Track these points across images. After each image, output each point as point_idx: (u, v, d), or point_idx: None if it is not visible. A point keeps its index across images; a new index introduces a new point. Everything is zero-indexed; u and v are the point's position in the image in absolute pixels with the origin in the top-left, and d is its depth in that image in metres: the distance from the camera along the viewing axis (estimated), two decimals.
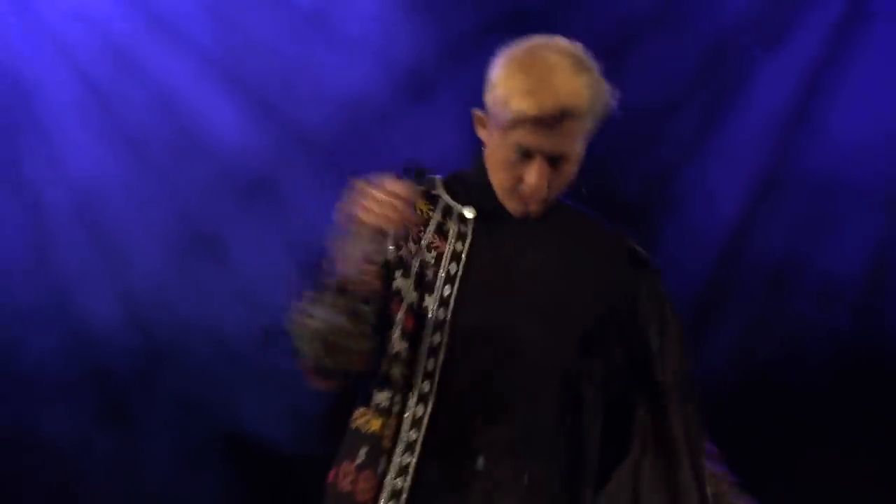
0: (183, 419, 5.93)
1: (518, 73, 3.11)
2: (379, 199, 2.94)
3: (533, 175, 3.10)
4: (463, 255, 3.15)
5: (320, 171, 5.72)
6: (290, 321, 2.99)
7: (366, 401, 3.18)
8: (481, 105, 3.14)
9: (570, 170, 3.16)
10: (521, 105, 3.07)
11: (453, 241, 3.17)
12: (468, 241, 3.18)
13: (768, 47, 5.95)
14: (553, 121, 3.08)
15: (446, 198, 3.20)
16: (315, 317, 2.97)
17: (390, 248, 3.02)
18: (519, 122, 3.08)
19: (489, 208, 3.18)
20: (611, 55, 5.15)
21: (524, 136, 3.08)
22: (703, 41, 5.95)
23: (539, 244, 3.19)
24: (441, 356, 3.08)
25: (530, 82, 3.09)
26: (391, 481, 3.10)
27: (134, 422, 5.99)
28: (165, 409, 5.93)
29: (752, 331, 6.14)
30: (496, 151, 3.15)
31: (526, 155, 3.10)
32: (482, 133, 3.19)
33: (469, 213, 3.17)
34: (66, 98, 5.75)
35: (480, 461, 3.13)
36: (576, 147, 3.13)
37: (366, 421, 3.18)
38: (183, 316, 5.80)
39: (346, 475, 3.15)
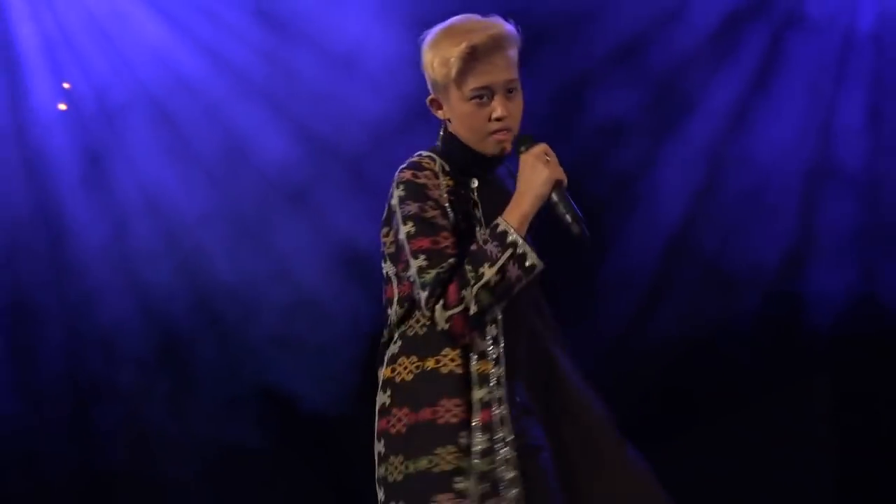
0: (226, 374, 6.28)
1: (443, 38, 3.32)
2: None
3: (498, 107, 3.29)
4: (478, 211, 3.33)
5: (349, 178, 6.09)
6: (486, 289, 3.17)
7: (438, 349, 3.31)
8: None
9: (520, 104, 3.34)
10: (461, 48, 3.27)
11: (470, 202, 3.34)
12: (476, 201, 3.36)
13: (708, 77, 6.25)
14: (491, 47, 3.28)
15: (455, 172, 3.34)
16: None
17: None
18: (466, 62, 3.27)
19: (480, 173, 3.36)
20: (583, 84, 5.66)
21: (476, 77, 3.28)
22: (656, 70, 6.25)
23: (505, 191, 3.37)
24: None
25: (456, 33, 3.30)
26: (499, 410, 3.27)
27: (187, 374, 6.32)
28: (212, 365, 6.28)
29: (691, 310, 6.35)
30: (460, 111, 3.32)
31: (483, 97, 3.29)
32: (440, 113, 3.37)
33: (474, 184, 3.35)
34: (145, 122, 6.14)
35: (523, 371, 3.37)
36: (516, 75, 3.32)
37: (463, 363, 3.30)
38: (230, 290, 6.17)
39: (449, 410, 3.27)
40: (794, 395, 6.53)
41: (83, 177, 6.17)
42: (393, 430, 3.31)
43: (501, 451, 3.27)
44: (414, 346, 3.33)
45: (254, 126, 6.10)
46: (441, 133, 3.41)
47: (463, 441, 3.26)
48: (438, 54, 3.32)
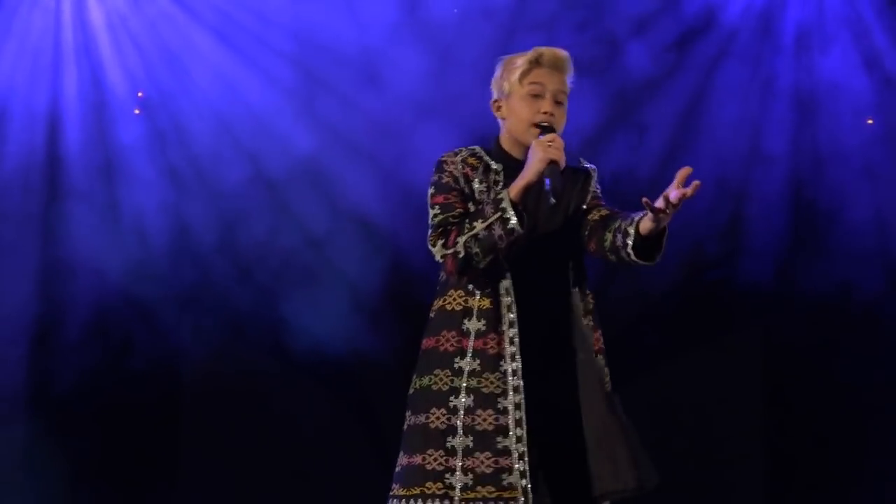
0: (257, 312, 6.75)
1: (517, 54, 3.85)
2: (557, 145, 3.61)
3: (546, 104, 3.73)
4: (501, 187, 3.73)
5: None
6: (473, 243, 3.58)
7: (447, 290, 3.76)
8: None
9: (564, 116, 3.78)
10: (529, 55, 3.78)
11: (492, 181, 3.77)
12: (501, 182, 3.79)
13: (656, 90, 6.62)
14: (553, 62, 3.76)
15: (486, 157, 3.83)
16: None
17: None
18: (531, 64, 3.74)
19: (511, 164, 3.77)
20: None
21: (534, 78, 3.75)
22: (614, 88, 6.59)
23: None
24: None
25: (526, 52, 3.82)
26: (508, 344, 3.65)
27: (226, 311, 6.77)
28: (248, 304, 6.74)
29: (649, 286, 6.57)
30: (516, 104, 3.77)
31: (537, 95, 3.73)
32: (500, 114, 3.85)
33: (495, 165, 3.80)
34: (217, 146, 6.67)
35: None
36: (567, 94, 3.76)
37: (465, 301, 3.72)
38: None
39: (447, 339, 3.71)
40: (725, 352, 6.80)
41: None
42: (422, 349, 3.83)
43: (489, 375, 3.69)
44: (439, 291, 3.85)
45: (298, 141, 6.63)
46: (497, 136, 3.92)
47: (456, 365, 3.71)
48: (509, 63, 3.86)
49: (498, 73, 3.87)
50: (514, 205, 3.62)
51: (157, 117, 6.70)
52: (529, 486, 3.61)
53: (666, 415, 6.65)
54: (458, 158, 3.80)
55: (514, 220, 3.60)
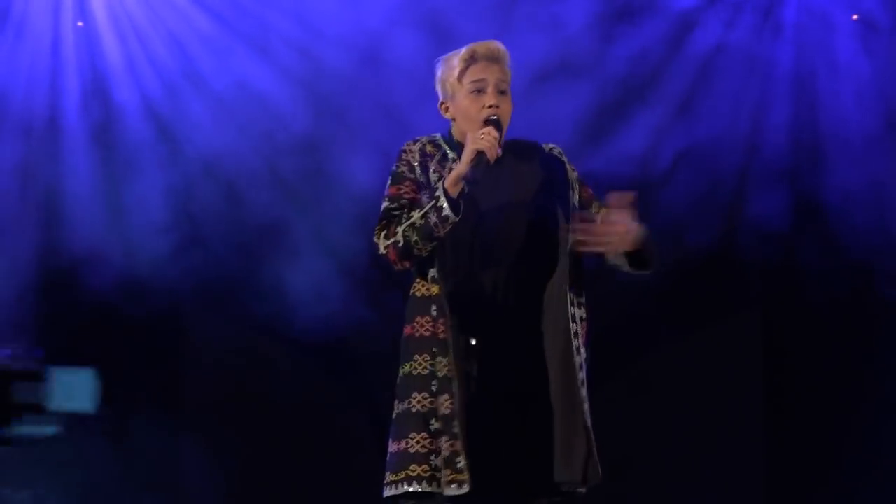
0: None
1: (451, 55, 3.92)
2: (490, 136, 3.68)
3: (489, 97, 3.81)
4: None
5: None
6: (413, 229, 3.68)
7: (413, 277, 3.88)
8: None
9: (509, 106, 3.84)
10: (463, 53, 3.86)
11: (448, 169, 3.83)
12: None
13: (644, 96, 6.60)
14: (490, 55, 3.84)
15: (444, 146, 3.91)
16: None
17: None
18: (468, 62, 3.83)
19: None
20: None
21: (474, 74, 3.83)
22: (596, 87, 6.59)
23: (495, 168, 3.79)
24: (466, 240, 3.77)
25: (461, 50, 3.89)
26: (461, 323, 3.76)
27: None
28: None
29: None
30: (461, 105, 3.85)
31: (480, 90, 3.82)
32: (448, 114, 3.94)
33: (451, 153, 3.89)
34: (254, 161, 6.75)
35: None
36: (508, 81, 3.84)
37: (427, 289, 3.85)
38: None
39: (422, 325, 3.82)
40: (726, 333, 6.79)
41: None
42: (402, 341, 3.93)
43: (443, 359, 3.80)
44: (410, 277, 3.96)
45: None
46: (449, 130, 4.01)
47: (434, 349, 3.81)
48: (447, 64, 3.95)
49: (438, 74, 3.96)
50: (447, 192, 3.71)
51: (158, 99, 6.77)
52: (468, 471, 3.70)
53: (660, 409, 6.79)
54: (417, 147, 3.90)
55: (446, 208, 3.70)
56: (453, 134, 3.94)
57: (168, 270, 6.58)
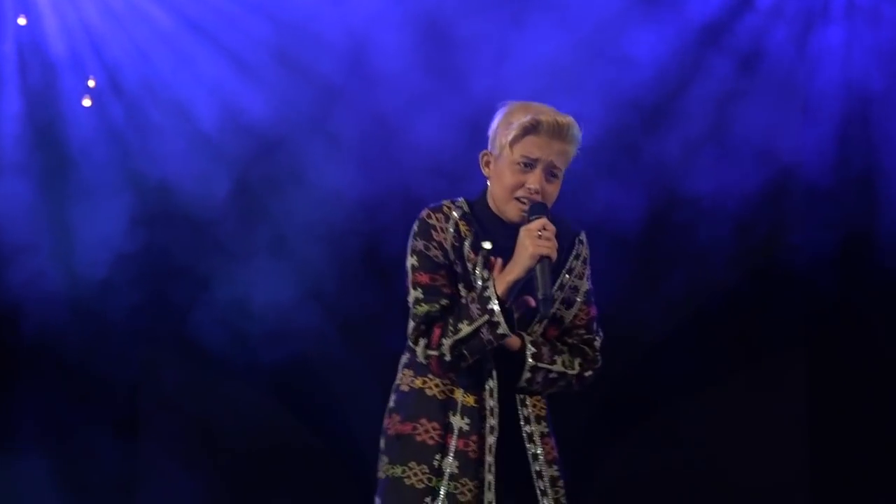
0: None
1: (517, 109, 3.61)
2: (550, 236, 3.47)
3: (534, 179, 3.54)
4: (479, 269, 3.59)
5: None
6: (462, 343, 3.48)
7: (426, 370, 3.60)
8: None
9: (556, 190, 3.59)
10: (527, 117, 3.55)
11: (481, 258, 3.58)
12: (488, 264, 3.59)
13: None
14: (551, 131, 3.54)
15: (475, 225, 3.61)
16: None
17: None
18: (526, 131, 3.52)
19: (501, 238, 3.59)
20: None
21: (527, 147, 3.53)
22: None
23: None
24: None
25: (531, 109, 3.58)
26: (488, 453, 3.54)
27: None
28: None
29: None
30: (503, 170, 3.57)
31: (528, 165, 3.54)
32: (486, 170, 3.66)
33: (487, 246, 3.61)
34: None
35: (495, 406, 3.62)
36: (563, 167, 3.57)
37: (445, 391, 3.60)
38: None
39: (427, 431, 3.57)
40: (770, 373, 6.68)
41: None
42: (389, 432, 3.65)
43: (468, 482, 3.55)
44: (413, 362, 3.65)
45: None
46: (483, 190, 3.69)
47: (436, 463, 3.56)
48: (507, 119, 3.61)
49: (495, 123, 3.64)
50: (503, 305, 3.47)
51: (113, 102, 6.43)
52: None
53: (698, 445, 6.62)
54: (450, 225, 3.58)
55: (503, 326, 3.47)
56: (488, 198, 3.63)
57: (123, 297, 6.41)
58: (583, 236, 3.71)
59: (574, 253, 3.68)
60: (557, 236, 3.51)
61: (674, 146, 6.40)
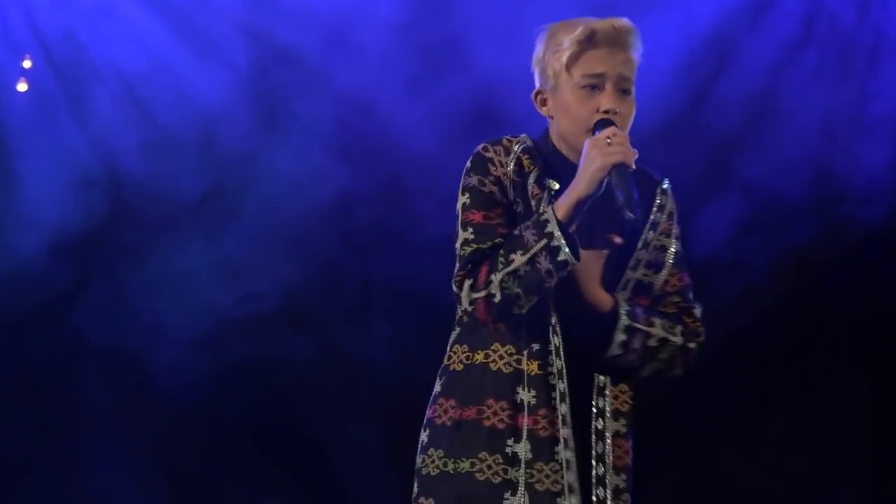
0: None
1: (559, 28, 3.29)
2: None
3: (607, 98, 3.23)
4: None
5: None
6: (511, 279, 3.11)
7: (489, 342, 3.24)
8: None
9: (632, 109, 3.28)
10: (578, 33, 3.24)
11: (546, 196, 3.26)
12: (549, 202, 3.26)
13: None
14: (611, 39, 3.25)
15: (541, 161, 3.29)
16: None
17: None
18: (584, 45, 3.24)
19: (569, 179, 3.23)
20: None
21: (589, 63, 3.24)
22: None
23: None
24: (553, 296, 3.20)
25: (575, 23, 3.27)
26: (562, 425, 3.20)
27: None
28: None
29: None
30: (567, 100, 3.26)
31: (595, 87, 3.24)
32: (545, 109, 3.34)
33: (555, 186, 3.27)
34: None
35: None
36: (633, 76, 3.26)
37: (514, 363, 3.25)
38: None
39: (494, 413, 3.23)
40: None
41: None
42: (438, 421, 3.26)
43: (543, 466, 3.21)
44: (467, 335, 3.27)
45: None
46: (544, 132, 3.37)
47: (509, 451, 3.20)
48: (553, 41, 3.29)
49: (539, 50, 3.33)
50: (564, 228, 3.11)
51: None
52: None
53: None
54: (511, 159, 3.26)
55: (566, 250, 3.09)
56: (553, 138, 3.33)
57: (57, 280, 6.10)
58: (666, 185, 3.38)
59: (657, 204, 3.34)
60: (635, 185, 3.18)
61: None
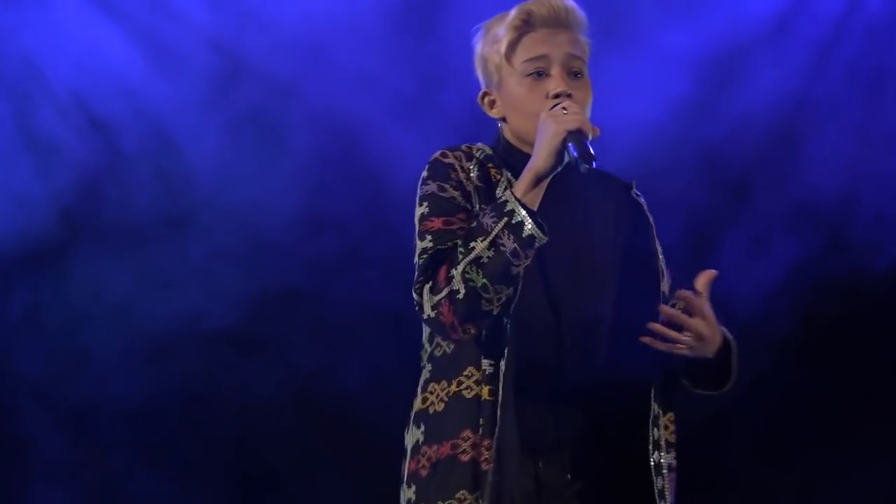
0: None
1: (494, 21, 3.14)
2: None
3: (555, 81, 3.04)
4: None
5: None
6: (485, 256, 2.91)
7: (461, 367, 3.05)
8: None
9: (588, 93, 3.09)
10: (517, 13, 3.07)
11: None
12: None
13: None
14: (553, 18, 3.08)
15: (507, 168, 3.12)
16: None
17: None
18: (520, 29, 3.06)
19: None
20: None
21: (529, 47, 3.06)
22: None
23: (577, 204, 3.13)
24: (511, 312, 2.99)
25: (510, 12, 3.10)
26: (511, 439, 2.99)
27: None
28: None
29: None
30: (514, 94, 3.09)
31: (540, 72, 3.06)
32: (494, 111, 3.17)
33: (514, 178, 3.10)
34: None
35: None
36: (585, 55, 3.09)
37: (469, 387, 3.04)
38: None
39: (474, 446, 3.01)
40: None
41: None
42: (423, 473, 3.00)
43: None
44: (443, 368, 3.03)
45: None
46: (497, 136, 3.20)
47: (494, 490, 2.97)
48: (489, 35, 3.14)
49: (477, 48, 3.19)
50: (523, 204, 2.88)
51: None
52: None
53: None
54: (474, 163, 3.07)
55: (529, 223, 2.86)
56: (510, 139, 3.16)
57: None
58: (635, 187, 3.22)
59: (633, 209, 3.20)
60: (603, 192, 3.12)
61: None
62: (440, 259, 2.95)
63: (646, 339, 2.93)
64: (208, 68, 5.65)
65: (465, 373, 2.99)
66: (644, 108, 5.63)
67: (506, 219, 2.87)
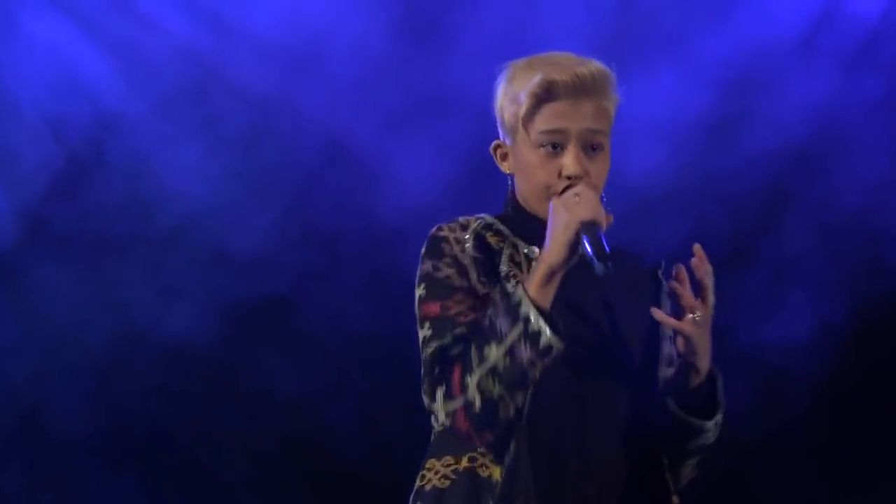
0: None
1: (520, 70, 3.00)
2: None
3: (570, 160, 2.93)
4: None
5: None
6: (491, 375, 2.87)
7: (463, 448, 2.97)
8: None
9: (605, 167, 3.00)
10: (540, 80, 2.92)
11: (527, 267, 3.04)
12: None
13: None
14: (574, 89, 2.95)
15: (509, 233, 3.06)
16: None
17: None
18: (539, 99, 2.94)
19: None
20: None
21: (549, 118, 2.94)
22: None
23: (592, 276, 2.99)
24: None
25: (536, 65, 2.97)
26: None
27: None
28: None
29: None
30: (526, 160, 3.00)
31: (556, 145, 2.95)
32: (505, 165, 3.08)
33: (534, 253, 3.02)
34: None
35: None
36: (606, 130, 2.98)
37: (482, 466, 2.96)
38: None
39: None
40: None
41: None
42: None
43: None
44: (445, 443, 2.99)
45: None
46: (508, 192, 3.19)
47: None
48: (510, 88, 3.05)
49: (498, 95, 3.04)
50: (539, 307, 2.81)
51: None
52: None
53: None
54: (469, 233, 3.01)
55: (548, 333, 2.79)
56: (518, 199, 3.08)
57: None
58: (663, 268, 3.19)
59: (663, 291, 3.16)
60: (627, 272, 3.05)
61: None
62: (449, 360, 2.92)
63: (673, 285, 2.92)
64: (178, 79, 5.59)
65: (479, 451, 2.96)
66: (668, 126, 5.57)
67: (521, 325, 2.82)
